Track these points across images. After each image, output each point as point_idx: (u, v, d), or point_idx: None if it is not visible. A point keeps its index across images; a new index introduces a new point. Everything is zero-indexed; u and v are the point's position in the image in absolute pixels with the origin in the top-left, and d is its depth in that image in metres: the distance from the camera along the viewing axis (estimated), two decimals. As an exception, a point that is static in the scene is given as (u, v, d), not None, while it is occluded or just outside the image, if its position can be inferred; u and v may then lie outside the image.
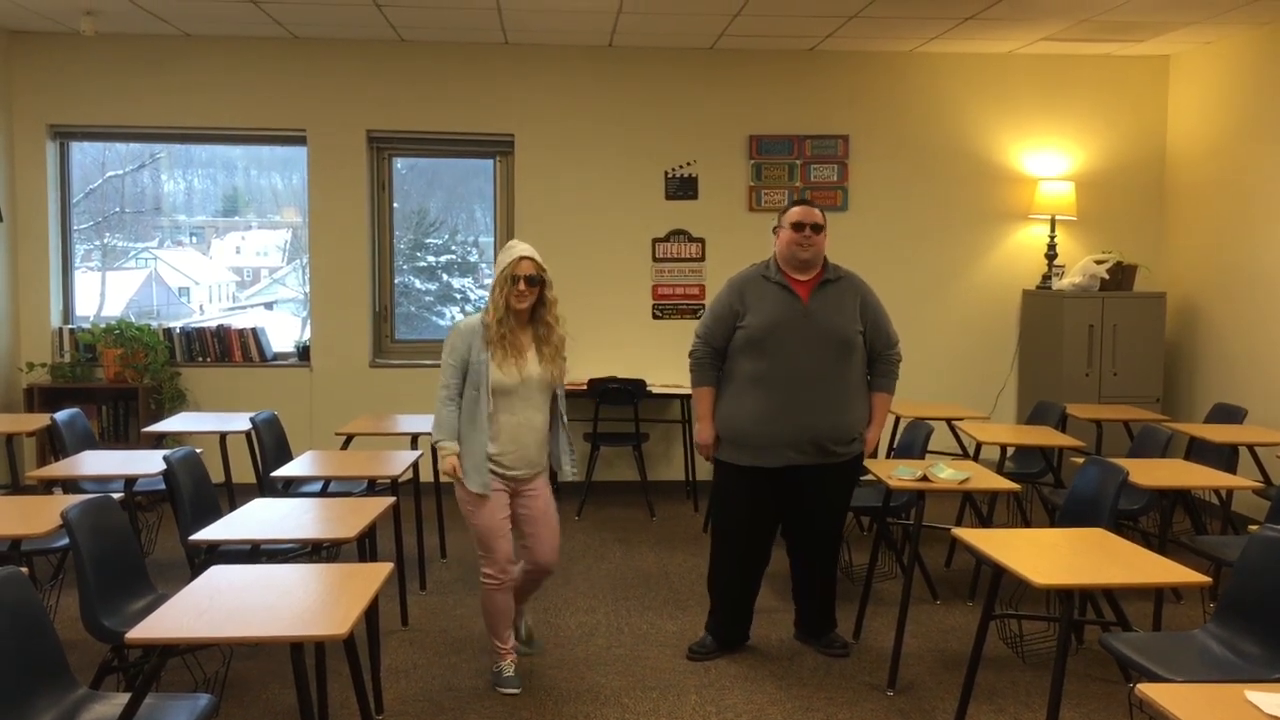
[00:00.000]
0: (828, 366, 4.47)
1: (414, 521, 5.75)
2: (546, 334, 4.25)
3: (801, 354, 4.45)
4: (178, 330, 7.80)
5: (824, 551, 4.74)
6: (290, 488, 5.27)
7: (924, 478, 4.59)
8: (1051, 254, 7.84)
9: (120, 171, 8.25)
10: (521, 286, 4.15)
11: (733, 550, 4.71)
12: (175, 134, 7.77)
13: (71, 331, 7.65)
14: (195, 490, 4.66)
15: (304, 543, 4.07)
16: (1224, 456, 5.80)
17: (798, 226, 4.52)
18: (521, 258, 4.17)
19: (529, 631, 4.74)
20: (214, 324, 7.92)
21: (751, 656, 4.71)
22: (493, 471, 4.22)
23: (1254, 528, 3.72)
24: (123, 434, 7.54)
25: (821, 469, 4.53)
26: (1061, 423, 6.51)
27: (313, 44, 7.60)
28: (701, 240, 7.91)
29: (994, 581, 3.82)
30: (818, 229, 4.53)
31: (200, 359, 7.77)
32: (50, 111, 7.54)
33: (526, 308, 4.20)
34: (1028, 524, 6.51)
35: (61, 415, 5.92)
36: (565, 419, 4.40)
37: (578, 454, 7.46)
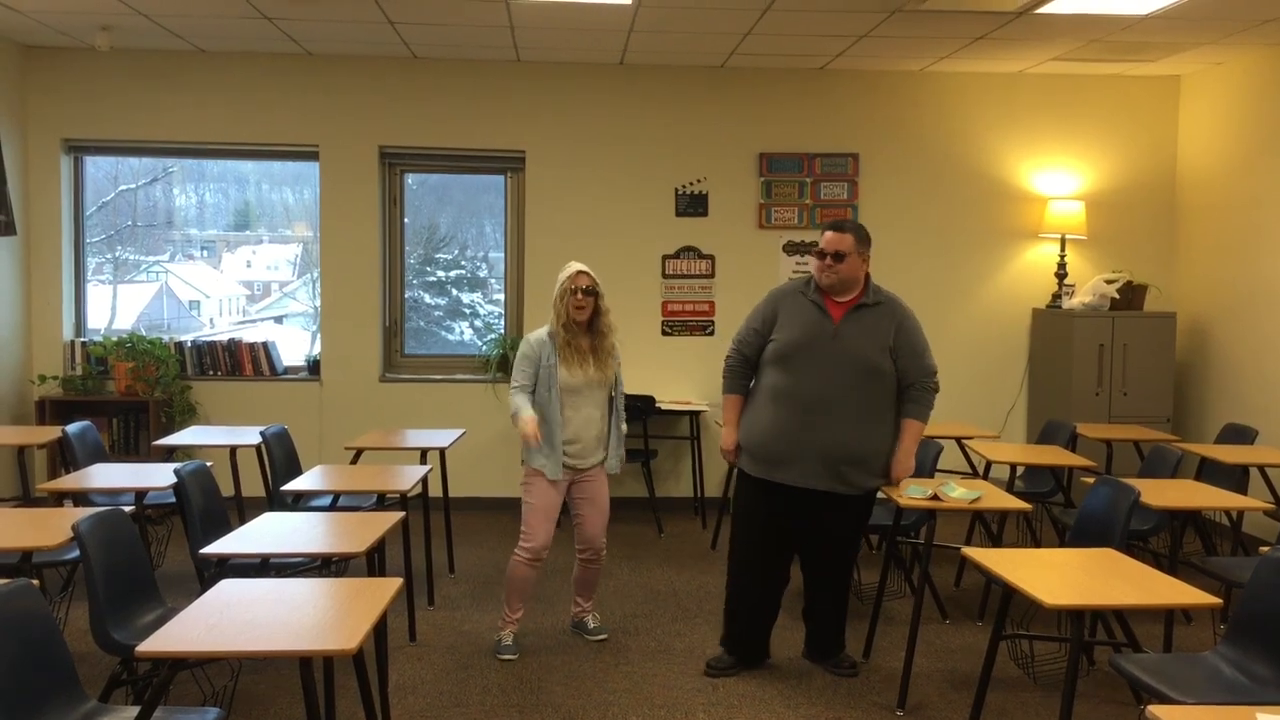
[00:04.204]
0: (849, 390, 4.43)
1: (423, 537, 5.75)
2: (600, 341, 4.85)
3: (824, 375, 4.44)
4: (189, 343, 7.83)
5: (833, 578, 4.72)
6: (300, 502, 5.28)
7: (935, 496, 4.58)
8: (1061, 273, 7.84)
9: (133, 185, 8.30)
10: (580, 298, 4.76)
11: (746, 559, 4.71)
12: (188, 149, 7.82)
13: (83, 344, 7.68)
14: (205, 503, 4.67)
15: (313, 557, 4.08)
16: (1235, 477, 5.77)
17: (820, 255, 4.55)
18: (579, 272, 4.80)
19: (598, 621, 5.21)
20: (225, 337, 7.94)
21: (760, 675, 4.70)
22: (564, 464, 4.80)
23: (1265, 549, 3.71)
24: (133, 447, 7.56)
25: (833, 498, 4.49)
26: (1071, 442, 6.49)
27: (326, 60, 7.65)
28: (711, 257, 7.92)
29: (1004, 601, 3.81)
30: (839, 257, 4.50)
31: (211, 372, 7.79)
32: (65, 126, 7.59)
33: (585, 318, 4.80)
34: (1038, 544, 6.49)
35: (72, 428, 5.94)
36: (623, 418, 4.99)
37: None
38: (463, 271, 8.36)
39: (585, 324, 4.82)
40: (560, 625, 5.30)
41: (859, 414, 4.46)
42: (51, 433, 6.10)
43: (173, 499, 4.90)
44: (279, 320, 9.12)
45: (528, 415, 4.71)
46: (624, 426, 5.03)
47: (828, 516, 4.56)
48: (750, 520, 4.68)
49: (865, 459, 4.49)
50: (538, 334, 4.86)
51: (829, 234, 4.57)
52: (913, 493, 4.62)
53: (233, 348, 7.82)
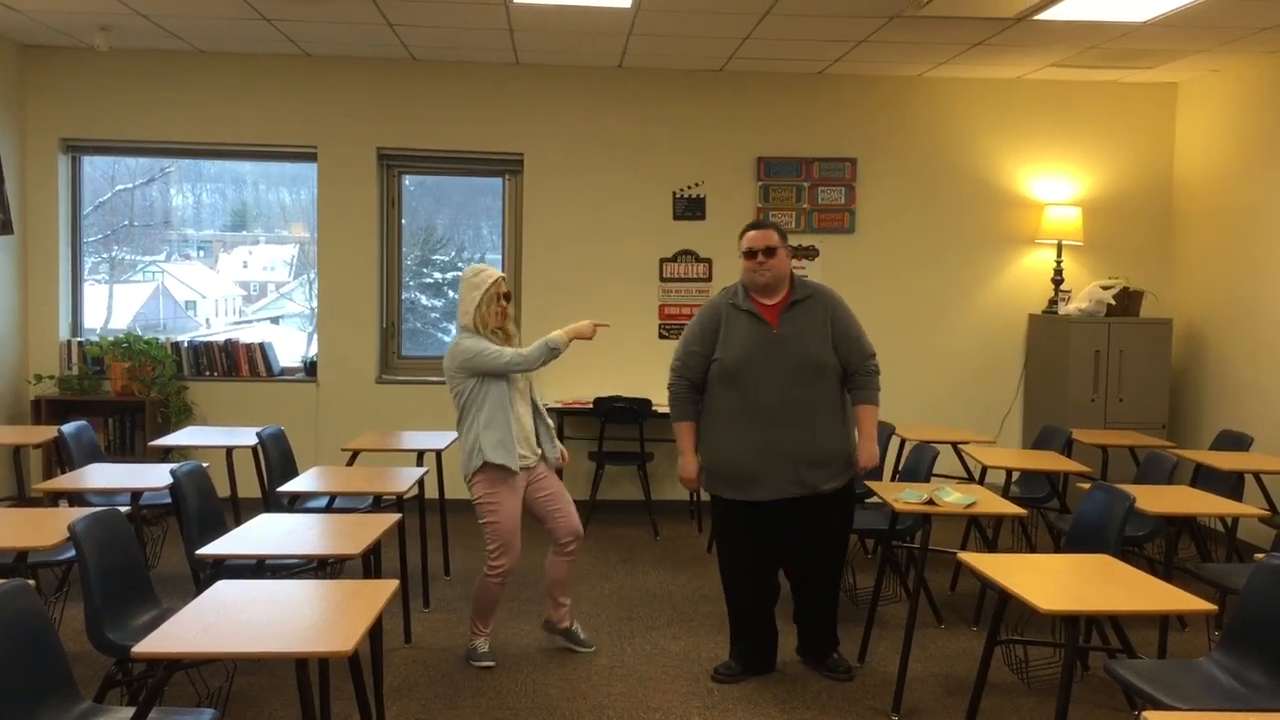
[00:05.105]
0: (803, 393, 4.41)
1: (419, 538, 5.75)
2: (509, 342, 4.82)
3: (775, 383, 4.40)
4: (185, 344, 7.83)
5: (823, 581, 4.67)
6: (296, 503, 5.28)
7: (930, 501, 4.59)
8: (1058, 279, 7.86)
9: (130, 185, 8.29)
10: (503, 304, 4.77)
11: (738, 578, 4.67)
12: (186, 149, 7.81)
13: (80, 344, 7.67)
14: (201, 504, 4.67)
15: (309, 558, 4.08)
16: (1230, 484, 5.78)
17: (749, 254, 4.52)
18: (500, 278, 4.78)
19: (579, 631, 5.07)
20: (221, 338, 7.94)
21: (756, 679, 4.69)
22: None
23: (1260, 556, 3.72)
24: (129, 447, 7.55)
25: (812, 499, 4.47)
26: (1067, 448, 6.50)
27: (325, 61, 7.65)
28: (709, 261, 7.93)
29: (999, 606, 3.81)
30: (770, 252, 4.49)
31: (207, 373, 7.78)
32: (63, 125, 7.58)
33: (505, 321, 4.82)
34: (1033, 549, 6.50)
35: (68, 428, 5.94)
36: (545, 410, 4.97)
37: (581, 473, 7.51)
38: (459, 273, 8.35)
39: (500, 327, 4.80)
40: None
41: (817, 413, 4.43)
42: (47, 432, 6.09)
43: (168, 500, 4.90)
44: (275, 321, 9.11)
45: (566, 329, 4.70)
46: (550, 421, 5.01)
47: (810, 522, 4.51)
48: (733, 540, 4.63)
49: (833, 456, 4.47)
50: (474, 337, 4.70)
51: (753, 233, 4.56)
52: (908, 497, 4.63)
53: (229, 348, 7.82)
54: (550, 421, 4.97)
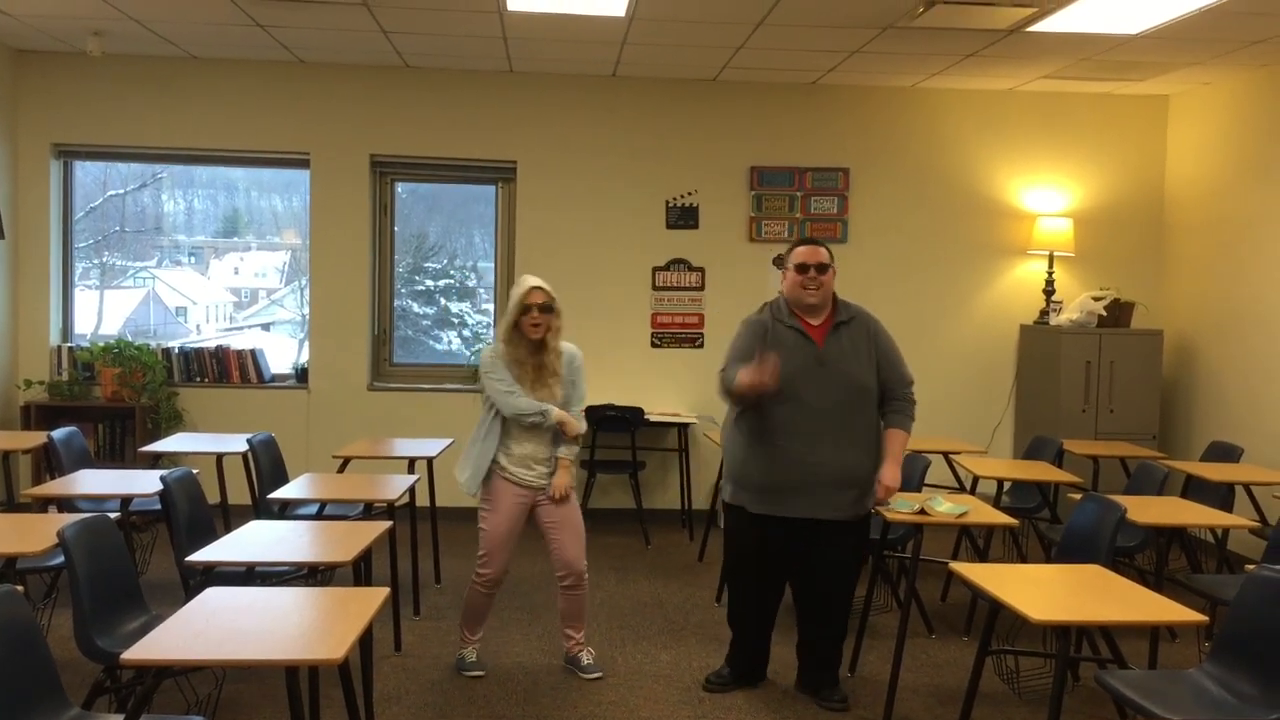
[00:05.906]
0: (843, 415, 4.34)
1: (409, 546, 5.73)
2: (545, 358, 4.59)
3: (817, 402, 4.32)
4: (176, 350, 7.80)
5: (832, 611, 4.54)
6: (286, 510, 5.26)
7: (921, 511, 4.59)
8: (1049, 290, 7.87)
9: (121, 190, 8.27)
10: (535, 315, 4.50)
11: (747, 591, 4.62)
12: (179, 155, 7.81)
13: (70, 349, 7.64)
14: (191, 511, 4.65)
15: (299, 566, 4.07)
16: (1220, 495, 5.79)
17: (802, 268, 4.42)
18: (532, 288, 4.53)
19: (592, 658, 4.86)
20: (212, 344, 7.92)
21: (747, 689, 4.68)
22: (508, 479, 4.66)
23: (1250, 567, 3.72)
24: (119, 453, 7.52)
25: (832, 525, 4.38)
26: (1058, 458, 6.51)
27: (318, 68, 7.65)
28: (701, 270, 7.94)
29: (990, 616, 3.81)
30: (823, 269, 4.41)
31: (198, 379, 7.76)
32: (55, 130, 7.57)
33: (540, 336, 4.54)
34: (1024, 559, 6.50)
35: (58, 433, 5.91)
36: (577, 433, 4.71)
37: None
38: (451, 281, 8.36)
39: (539, 343, 4.57)
40: (547, 635, 5.28)
41: (856, 436, 4.37)
42: (37, 438, 6.06)
43: (158, 506, 4.87)
44: (266, 327, 9.10)
45: (565, 416, 4.59)
46: (576, 445, 4.78)
47: (828, 545, 4.41)
48: (747, 553, 4.54)
49: (865, 482, 4.39)
50: (492, 349, 4.66)
51: (807, 248, 4.47)
52: (900, 507, 4.62)
53: (220, 355, 7.80)
54: (576, 447, 4.77)
